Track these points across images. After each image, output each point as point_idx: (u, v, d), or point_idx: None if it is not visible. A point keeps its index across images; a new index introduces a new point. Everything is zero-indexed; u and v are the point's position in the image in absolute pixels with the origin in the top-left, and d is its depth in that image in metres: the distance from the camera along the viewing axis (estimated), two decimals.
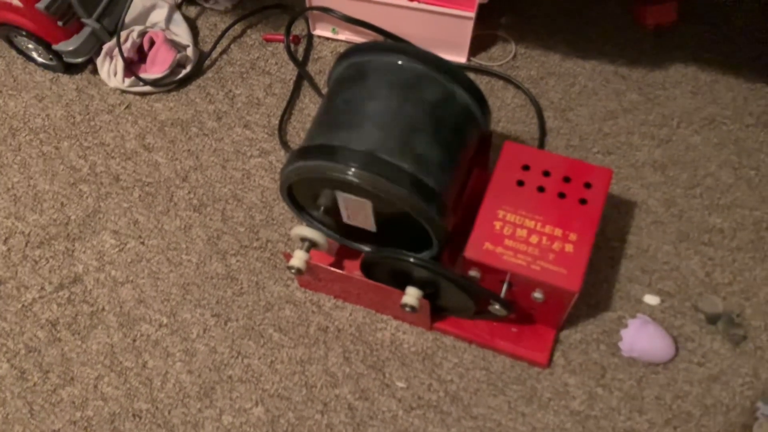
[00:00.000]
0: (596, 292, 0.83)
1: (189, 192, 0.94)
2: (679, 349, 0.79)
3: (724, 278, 0.83)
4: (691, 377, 0.77)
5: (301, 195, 0.76)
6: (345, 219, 0.74)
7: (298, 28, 1.08)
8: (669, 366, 0.78)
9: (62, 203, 0.95)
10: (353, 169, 0.65)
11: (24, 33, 1.00)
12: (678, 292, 0.82)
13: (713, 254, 0.85)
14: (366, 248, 0.79)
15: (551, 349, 0.79)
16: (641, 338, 0.77)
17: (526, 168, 0.73)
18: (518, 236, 0.69)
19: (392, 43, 0.72)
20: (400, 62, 0.70)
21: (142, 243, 0.90)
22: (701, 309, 0.80)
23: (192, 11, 1.12)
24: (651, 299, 0.82)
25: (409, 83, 0.70)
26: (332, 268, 0.77)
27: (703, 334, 0.80)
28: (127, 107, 1.03)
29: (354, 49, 0.73)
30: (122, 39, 1.01)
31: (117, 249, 0.90)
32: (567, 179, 0.71)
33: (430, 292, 0.74)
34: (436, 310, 0.79)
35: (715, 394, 0.76)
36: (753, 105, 0.96)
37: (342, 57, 0.75)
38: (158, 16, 1.06)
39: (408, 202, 0.65)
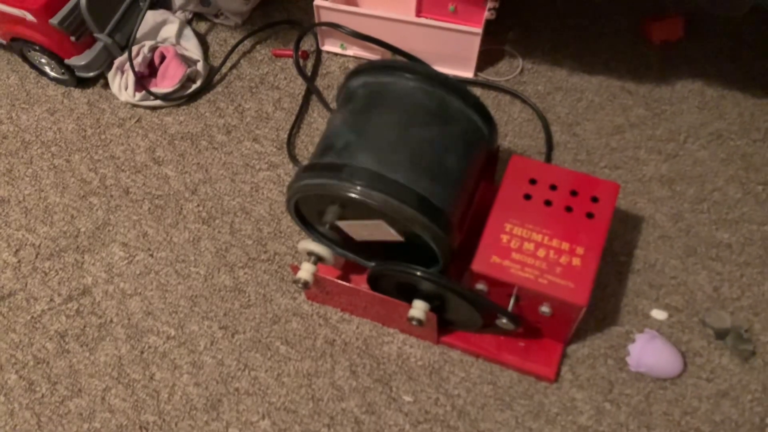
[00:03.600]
0: (603, 307, 0.83)
1: (198, 205, 0.95)
2: (688, 365, 0.78)
3: (732, 293, 0.83)
4: (700, 393, 0.77)
5: (307, 210, 0.76)
6: (360, 237, 0.75)
7: (307, 44, 1.10)
8: (677, 381, 0.77)
9: (72, 215, 0.95)
10: (359, 187, 0.65)
11: (37, 48, 1.02)
12: (686, 307, 0.82)
13: (721, 269, 0.84)
14: (371, 264, 0.79)
15: (559, 364, 0.78)
16: (649, 353, 0.77)
17: (533, 182, 0.73)
18: (525, 250, 0.69)
19: (400, 62, 0.73)
20: (408, 81, 0.71)
21: (151, 255, 0.91)
22: (709, 324, 0.80)
23: (202, 27, 1.14)
24: (658, 314, 0.82)
25: (416, 102, 0.70)
26: (339, 281, 0.78)
27: (711, 349, 0.79)
28: (137, 121, 1.04)
29: (363, 67, 0.74)
30: (133, 54, 1.02)
31: (126, 261, 0.91)
32: (574, 193, 0.72)
33: (437, 306, 0.74)
34: (443, 324, 0.79)
35: (724, 410, 0.76)
36: (760, 120, 0.96)
37: (351, 74, 0.76)
38: (169, 31, 1.08)
39: (414, 221, 0.66)
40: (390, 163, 0.67)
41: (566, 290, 0.66)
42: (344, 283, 0.78)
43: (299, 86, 1.05)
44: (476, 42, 0.97)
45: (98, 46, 1.04)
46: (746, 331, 0.79)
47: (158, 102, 1.03)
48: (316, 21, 1.03)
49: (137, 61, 1.02)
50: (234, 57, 1.10)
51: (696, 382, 0.77)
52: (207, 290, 0.88)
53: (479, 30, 0.96)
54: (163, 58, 1.04)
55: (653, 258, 0.85)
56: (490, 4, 0.96)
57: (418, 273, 0.69)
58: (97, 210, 0.96)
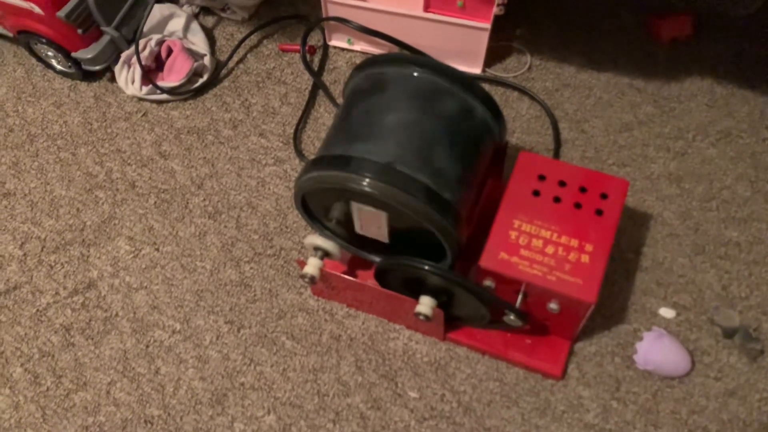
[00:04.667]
0: (611, 305, 0.82)
1: (204, 199, 0.95)
2: (695, 363, 0.78)
3: (740, 292, 0.82)
4: (708, 392, 0.76)
5: (314, 205, 0.76)
6: (358, 229, 0.74)
7: (314, 39, 1.09)
8: (685, 380, 0.77)
9: (78, 209, 0.95)
10: (368, 180, 0.65)
11: (44, 40, 1.01)
12: (694, 306, 0.82)
13: (729, 268, 0.84)
14: (378, 259, 0.79)
15: (565, 361, 0.78)
16: (656, 351, 0.76)
17: (542, 178, 0.72)
18: (534, 246, 0.68)
19: (409, 55, 0.73)
20: (416, 74, 0.70)
21: (157, 249, 0.91)
22: (717, 323, 0.80)
23: (209, 21, 1.13)
24: (666, 312, 0.81)
25: (425, 95, 0.70)
26: (345, 276, 0.77)
27: (719, 348, 0.79)
28: (143, 115, 1.04)
29: (371, 61, 0.74)
30: (140, 47, 1.02)
31: (132, 255, 0.91)
32: (583, 189, 0.71)
33: (444, 301, 0.74)
34: (450, 320, 0.78)
35: (731, 409, 0.75)
36: None
37: (358, 68, 0.75)
38: (176, 25, 1.07)
39: (423, 214, 0.65)
40: (398, 156, 0.66)
41: (575, 287, 0.66)
42: (350, 278, 0.77)
43: (306, 81, 1.05)
44: (484, 38, 0.97)
45: (105, 39, 1.03)
46: (755, 330, 0.79)
47: (165, 96, 1.03)
48: (324, 16, 1.03)
49: (144, 54, 1.02)
50: (241, 51, 1.09)
51: (704, 380, 0.77)
52: (213, 285, 0.88)
53: (487, 26, 0.95)
54: (170, 51, 1.04)
55: (661, 256, 0.85)
56: (498, 0, 0.95)
57: (427, 267, 0.68)
58: (102, 204, 0.95)
